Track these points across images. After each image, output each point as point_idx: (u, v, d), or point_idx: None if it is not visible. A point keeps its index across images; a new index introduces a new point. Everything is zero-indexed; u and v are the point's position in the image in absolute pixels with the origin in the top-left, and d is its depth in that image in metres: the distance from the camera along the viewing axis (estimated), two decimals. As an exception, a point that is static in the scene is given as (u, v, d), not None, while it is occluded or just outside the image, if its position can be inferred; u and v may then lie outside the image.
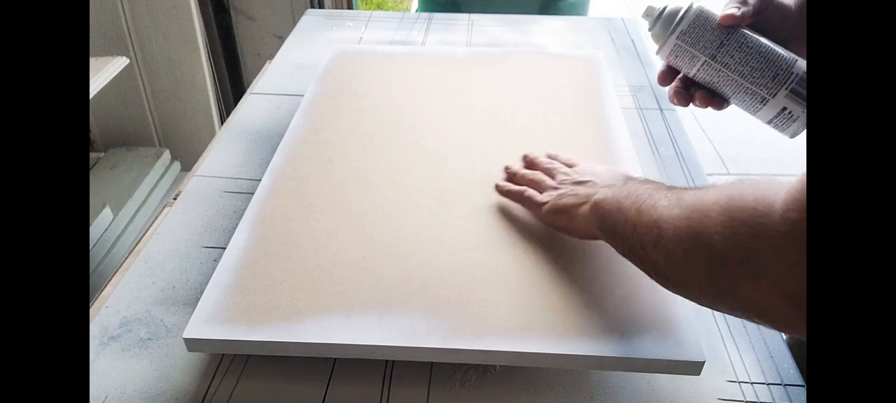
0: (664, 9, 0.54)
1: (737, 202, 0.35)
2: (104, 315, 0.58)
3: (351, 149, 0.74)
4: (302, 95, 0.88)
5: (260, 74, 1.03)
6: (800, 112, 0.49)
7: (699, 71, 0.53)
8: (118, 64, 1.34)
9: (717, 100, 0.54)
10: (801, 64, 0.49)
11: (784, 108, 0.49)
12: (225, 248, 0.60)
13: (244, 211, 0.64)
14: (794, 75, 0.49)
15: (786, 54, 0.50)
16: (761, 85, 0.50)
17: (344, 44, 1.09)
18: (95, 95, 1.27)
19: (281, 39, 1.15)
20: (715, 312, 0.59)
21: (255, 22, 1.81)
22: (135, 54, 1.64)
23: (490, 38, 1.13)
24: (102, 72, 1.29)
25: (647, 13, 0.55)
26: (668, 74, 0.56)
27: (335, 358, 0.54)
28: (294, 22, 1.24)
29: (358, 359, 0.53)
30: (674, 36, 0.52)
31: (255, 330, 0.51)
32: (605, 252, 0.57)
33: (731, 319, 0.58)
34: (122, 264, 0.65)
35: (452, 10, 1.33)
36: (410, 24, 1.18)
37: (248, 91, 0.97)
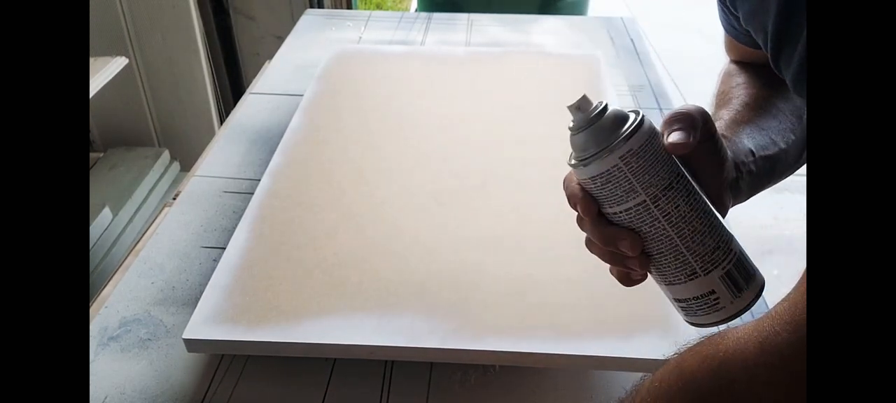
0: (605, 108, 0.39)
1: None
2: (104, 315, 0.58)
3: (350, 149, 0.73)
4: (301, 95, 0.88)
5: (259, 74, 1.03)
6: (727, 301, 0.39)
7: (627, 213, 0.38)
8: (117, 64, 1.34)
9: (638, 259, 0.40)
10: (737, 243, 0.40)
11: (712, 292, 0.38)
12: (224, 248, 0.60)
13: (244, 212, 0.64)
14: (733, 254, 0.39)
15: (725, 225, 0.40)
16: (697, 254, 0.38)
17: (343, 44, 1.09)
18: (95, 95, 1.27)
19: (280, 39, 1.15)
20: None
21: (254, 22, 1.80)
22: (134, 54, 1.64)
23: (489, 37, 1.13)
24: (102, 73, 1.28)
25: (579, 106, 0.40)
26: (590, 201, 0.40)
27: (335, 359, 0.54)
28: (293, 22, 1.24)
29: (357, 360, 0.53)
30: (615, 154, 0.37)
31: (255, 331, 0.51)
32: (605, 252, 0.57)
33: (731, 319, 0.58)
34: (121, 264, 0.65)
35: (452, 9, 1.33)
36: (410, 24, 1.18)
37: (248, 91, 0.97)
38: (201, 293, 0.55)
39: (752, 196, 0.54)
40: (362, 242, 0.60)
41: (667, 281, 0.40)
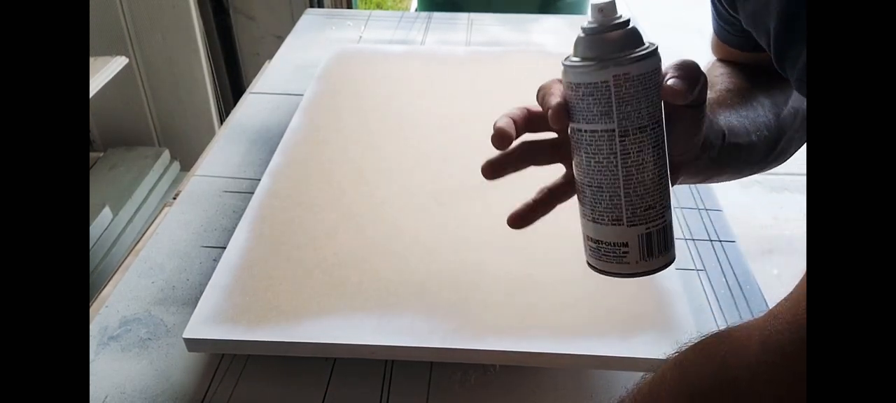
0: (625, 23, 0.37)
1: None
2: (104, 314, 0.58)
3: (350, 149, 0.73)
4: (301, 95, 0.88)
5: (259, 74, 1.03)
6: (634, 260, 0.38)
7: (588, 135, 0.37)
8: (117, 63, 1.34)
9: (562, 187, 0.41)
10: (671, 214, 0.39)
11: (625, 244, 0.38)
12: (225, 248, 0.60)
13: (244, 211, 0.64)
14: (662, 220, 0.38)
15: (670, 192, 0.39)
16: (631, 205, 0.37)
17: (343, 43, 1.09)
18: (95, 95, 1.27)
19: (280, 39, 1.15)
20: (715, 312, 0.59)
21: (254, 21, 1.80)
22: (134, 54, 1.64)
23: (489, 37, 1.13)
24: (102, 72, 1.29)
25: (602, 9, 0.36)
26: (564, 111, 0.38)
27: (335, 358, 0.54)
28: (293, 21, 1.24)
29: (358, 359, 0.53)
30: (609, 70, 0.35)
31: (255, 330, 0.51)
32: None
33: (731, 318, 0.58)
34: (121, 264, 0.65)
35: (452, 9, 1.33)
36: (410, 24, 1.18)
37: (248, 91, 0.97)
38: (201, 292, 0.55)
39: (696, 182, 0.53)
40: (362, 242, 0.60)
41: (589, 216, 0.39)
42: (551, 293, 0.54)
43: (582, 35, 0.37)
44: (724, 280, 0.63)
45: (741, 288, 0.62)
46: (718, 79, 0.51)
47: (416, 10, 1.36)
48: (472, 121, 0.79)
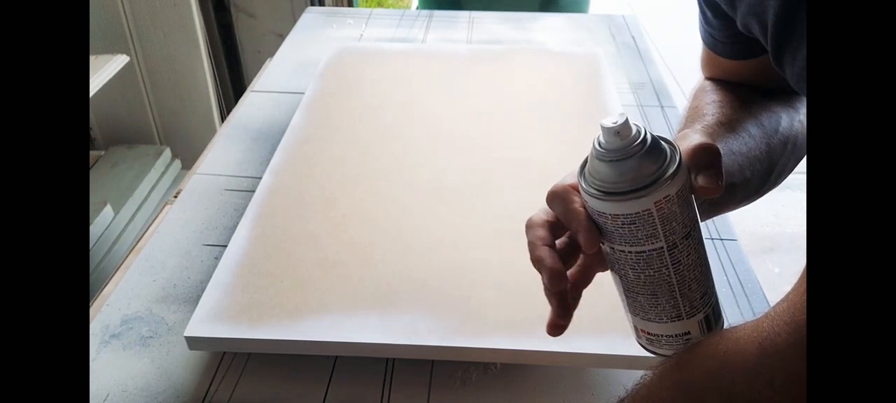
0: (645, 138, 0.33)
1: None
2: (105, 313, 0.58)
3: (352, 147, 0.73)
4: (302, 93, 0.88)
5: (260, 72, 1.03)
6: (696, 338, 0.38)
7: (632, 255, 0.35)
8: (118, 62, 1.34)
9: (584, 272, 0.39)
10: (714, 287, 0.39)
11: (688, 333, 0.37)
12: (226, 246, 0.60)
13: (245, 210, 0.64)
14: (713, 298, 0.38)
15: (711, 269, 0.38)
16: (688, 300, 0.36)
17: (344, 41, 1.09)
18: (96, 93, 1.27)
19: (281, 37, 1.15)
20: (716, 310, 0.59)
21: (255, 19, 1.80)
22: (135, 52, 1.64)
23: (490, 35, 1.13)
24: (103, 71, 1.29)
25: (619, 132, 0.33)
26: (595, 234, 0.36)
27: (336, 357, 0.54)
28: (294, 19, 1.24)
29: (359, 357, 0.53)
30: (651, 198, 0.33)
31: (256, 329, 0.51)
32: (606, 249, 0.57)
33: (732, 317, 0.58)
34: (123, 262, 0.65)
35: (453, 7, 1.33)
36: (411, 22, 1.18)
37: (249, 89, 0.97)
38: (203, 291, 0.55)
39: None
40: (364, 240, 0.60)
41: (644, 317, 0.38)
42: (552, 291, 0.54)
43: (604, 162, 0.34)
44: (725, 278, 0.63)
45: (743, 286, 0.62)
46: (709, 109, 0.50)
47: (417, 8, 1.36)
48: (473, 118, 0.79)
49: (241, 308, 0.52)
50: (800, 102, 0.52)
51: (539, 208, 0.40)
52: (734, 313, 0.59)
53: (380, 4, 3.63)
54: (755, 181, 0.47)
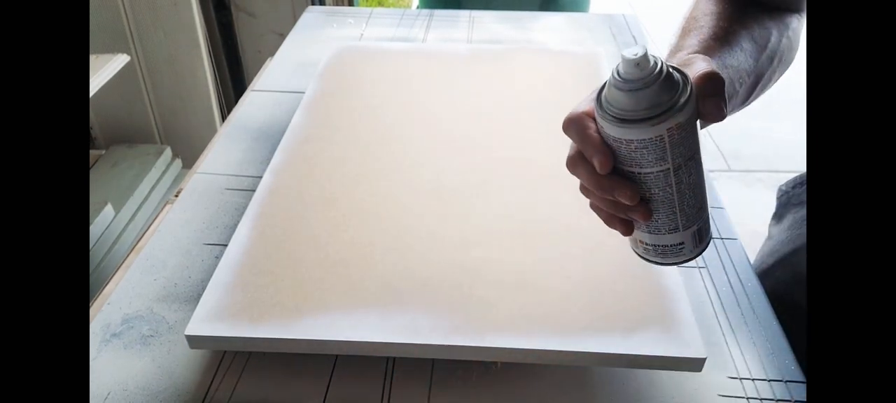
0: (661, 69, 0.36)
1: None
2: (106, 312, 0.58)
3: (352, 146, 0.74)
4: (303, 92, 0.88)
5: (261, 71, 1.03)
6: (688, 250, 0.41)
7: (643, 175, 0.38)
8: (119, 61, 1.34)
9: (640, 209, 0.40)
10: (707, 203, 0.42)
11: (682, 243, 0.41)
12: (226, 245, 0.60)
13: (245, 209, 0.64)
14: (706, 213, 0.41)
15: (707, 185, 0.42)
16: (685, 214, 0.40)
17: (345, 41, 1.09)
18: (96, 93, 1.27)
19: (282, 36, 1.15)
20: (716, 309, 0.59)
21: (255, 19, 1.80)
22: (135, 51, 1.64)
23: (491, 34, 1.13)
24: (103, 70, 1.28)
25: (638, 63, 0.35)
26: (609, 156, 0.39)
27: (336, 355, 0.54)
28: (295, 19, 1.24)
29: (359, 356, 0.53)
30: (664, 125, 0.36)
31: (257, 328, 0.51)
32: (607, 248, 0.57)
33: (733, 316, 0.58)
34: (123, 261, 0.65)
35: (453, 6, 1.33)
36: (411, 21, 1.18)
37: (249, 88, 0.97)
38: (203, 290, 0.55)
39: None
40: (364, 239, 0.60)
41: (646, 229, 0.41)
42: (553, 290, 0.54)
43: (622, 91, 0.36)
44: (725, 277, 0.63)
45: (743, 286, 0.62)
46: (705, 21, 0.51)
47: (417, 8, 1.36)
48: (473, 117, 0.79)
49: (242, 307, 0.53)
50: (790, 17, 0.55)
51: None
52: (735, 312, 0.59)
53: (380, 4, 3.63)
54: (742, 93, 0.49)
